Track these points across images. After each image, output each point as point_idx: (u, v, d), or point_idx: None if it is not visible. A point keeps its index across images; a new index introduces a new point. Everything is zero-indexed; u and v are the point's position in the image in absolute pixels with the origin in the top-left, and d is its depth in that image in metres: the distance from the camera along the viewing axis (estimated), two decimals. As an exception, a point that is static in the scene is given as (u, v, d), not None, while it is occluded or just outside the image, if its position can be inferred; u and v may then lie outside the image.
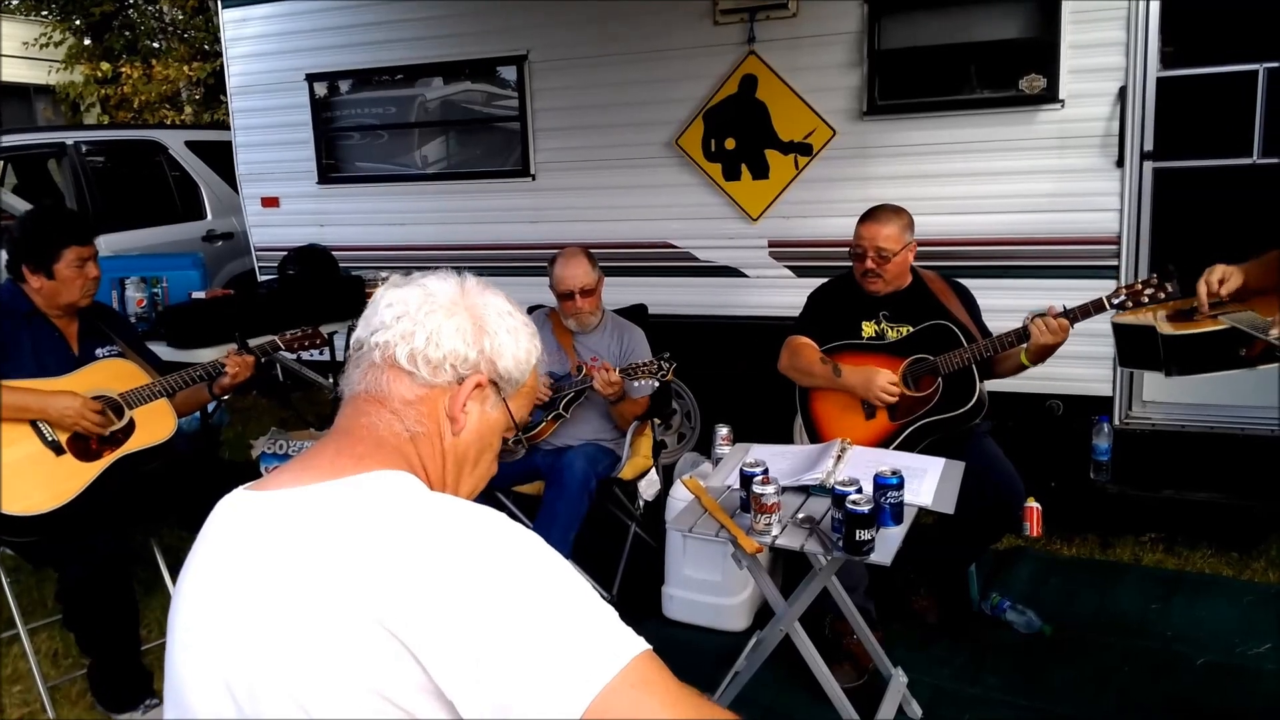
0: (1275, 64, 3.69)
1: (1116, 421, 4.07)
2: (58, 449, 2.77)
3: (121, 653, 2.84)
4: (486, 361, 1.16)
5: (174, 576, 3.24)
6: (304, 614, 0.94)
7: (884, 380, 3.06)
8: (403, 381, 1.13)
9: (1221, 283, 2.43)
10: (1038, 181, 4.04)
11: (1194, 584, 3.55)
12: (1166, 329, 2.50)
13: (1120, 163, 3.89)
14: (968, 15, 4.10)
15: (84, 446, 2.81)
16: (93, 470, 2.80)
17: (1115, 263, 3.95)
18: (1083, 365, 3.94)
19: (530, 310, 3.93)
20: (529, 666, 0.88)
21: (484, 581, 0.92)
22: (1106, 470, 3.98)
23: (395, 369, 1.13)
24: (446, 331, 1.14)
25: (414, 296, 1.16)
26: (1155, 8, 3.78)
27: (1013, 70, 4.03)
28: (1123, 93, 3.85)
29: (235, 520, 1.07)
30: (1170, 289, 2.87)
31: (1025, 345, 2.97)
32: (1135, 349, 2.69)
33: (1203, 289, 2.46)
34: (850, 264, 3.29)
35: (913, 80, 4.24)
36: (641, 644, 0.93)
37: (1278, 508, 3.74)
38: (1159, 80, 3.86)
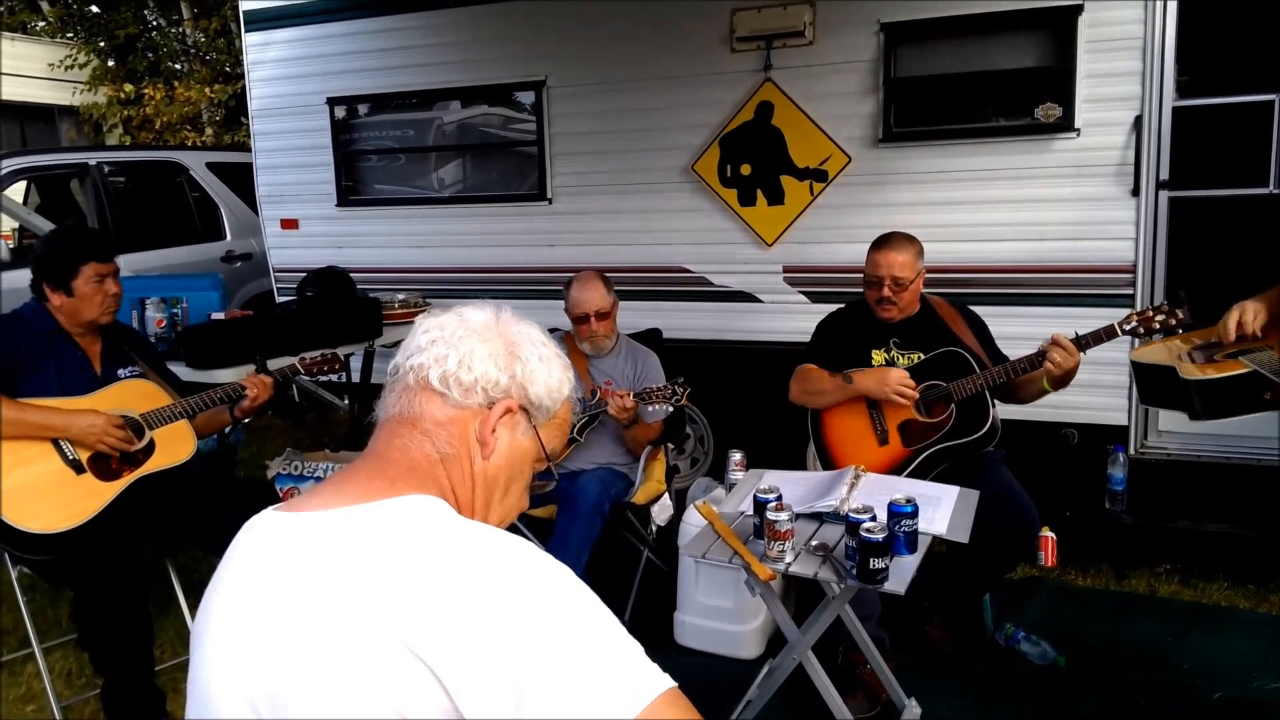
0: (1292, 94, 3.70)
1: (1132, 451, 4.06)
2: (78, 468, 2.80)
3: (135, 673, 2.84)
4: (518, 387, 1.18)
5: (188, 597, 3.26)
6: (333, 637, 0.95)
7: (898, 376, 3.05)
8: (434, 403, 1.15)
9: (1254, 321, 2.45)
10: (1053, 210, 4.05)
11: (1210, 616, 3.52)
12: (1192, 372, 2.48)
13: (1136, 191, 3.90)
14: (984, 44, 4.12)
15: (104, 466, 2.83)
16: (112, 490, 2.82)
17: (1130, 291, 3.95)
18: (1098, 394, 3.93)
19: (545, 334, 3.94)
20: (553, 701, 0.88)
21: (512, 611, 0.93)
22: (1122, 500, 3.96)
23: (428, 390, 1.15)
24: (479, 355, 1.16)
25: (449, 322, 1.19)
26: (1171, 37, 3.79)
27: (1029, 99, 4.05)
28: (1138, 122, 3.86)
29: (266, 541, 1.08)
30: (1181, 315, 2.88)
31: (1045, 369, 2.96)
32: (1156, 388, 2.68)
33: (1233, 325, 2.46)
34: (860, 292, 3.30)
35: (928, 108, 4.27)
36: (667, 681, 0.93)
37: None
38: (1175, 109, 3.87)
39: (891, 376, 3.06)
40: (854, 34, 4.26)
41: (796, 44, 4.35)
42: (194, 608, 2.93)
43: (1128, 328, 2.93)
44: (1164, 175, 3.91)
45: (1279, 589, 3.66)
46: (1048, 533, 3.76)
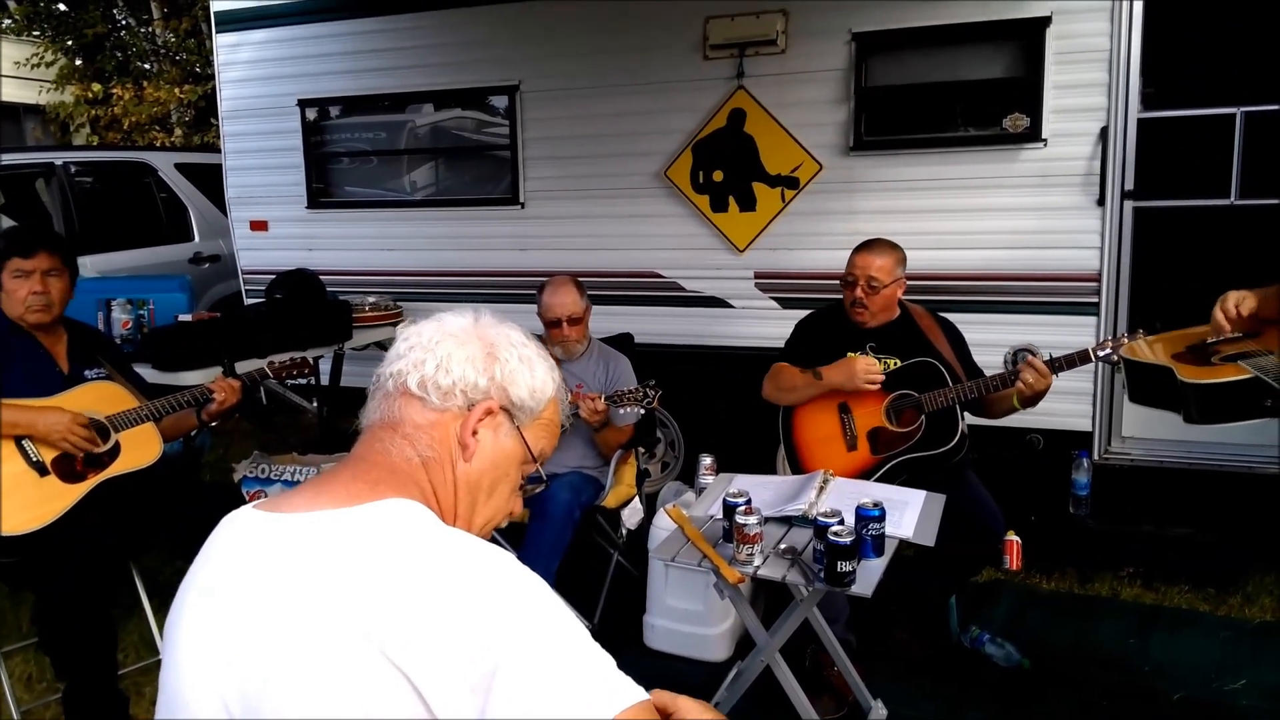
0: (1252, 108, 3.77)
1: (1096, 456, 4.11)
2: (42, 470, 2.76)
3: (98, 677, 2.81)
4: (498, 388, 1.18)
5: (153, 601, 3.23)
6: (308, 640, 0.95)
7: (864, 365, 3.06)
8: (414, 407, 1.16)
9: (1238, 306, 2.37)
10: (1020, 219, 4.10)
11: (1172, 619, 3.57)
12: (1189, 375, 2.44)
13: (1101, 201, 3.96)
14: (953, 55, 4.18)
15: (68, 468, 2.80)
16: (76, 492, 2.79)
17: (1095, 300, 4.01)
18: (1063, 400, 3.97)
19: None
20: (526, 711, 0.89)
21: (486, 618, 0.93)
22: (1086, 505, 4.01)
23: (407, 396, 1.16)
24: (457, 359, 1.16)
25: (428, 329, 1.20)
26: (1137, 50, 3.86)
27: (997, 109, 4.10)
28: (1104, 133, 3.92)
29: (245, 541, 1.07)
30: None
31: (1016, 390, 2.99)
32: (1148, 387, 2.65)
33: (1220, 315, 2.39)
34: (836, 295, 3.32)
35: (898, 117, 4.32)
36: (639, 693, 0.94)
37: (1254, 543, 3.78)
38: (1140, 121, 3.94)
39: (859, 365, 3.08)
40: (825, 43, 4.30)
41: (769, 52, 4.38)
42: (159, 611, 2.89)
43: (1102, 354, 2.96)
44: (1129, 186, 3.97)
45: (1239, 592, 3.72)
46: (1013, 537, 3.78)
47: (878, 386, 3.09)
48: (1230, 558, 3.81)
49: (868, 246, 3.24)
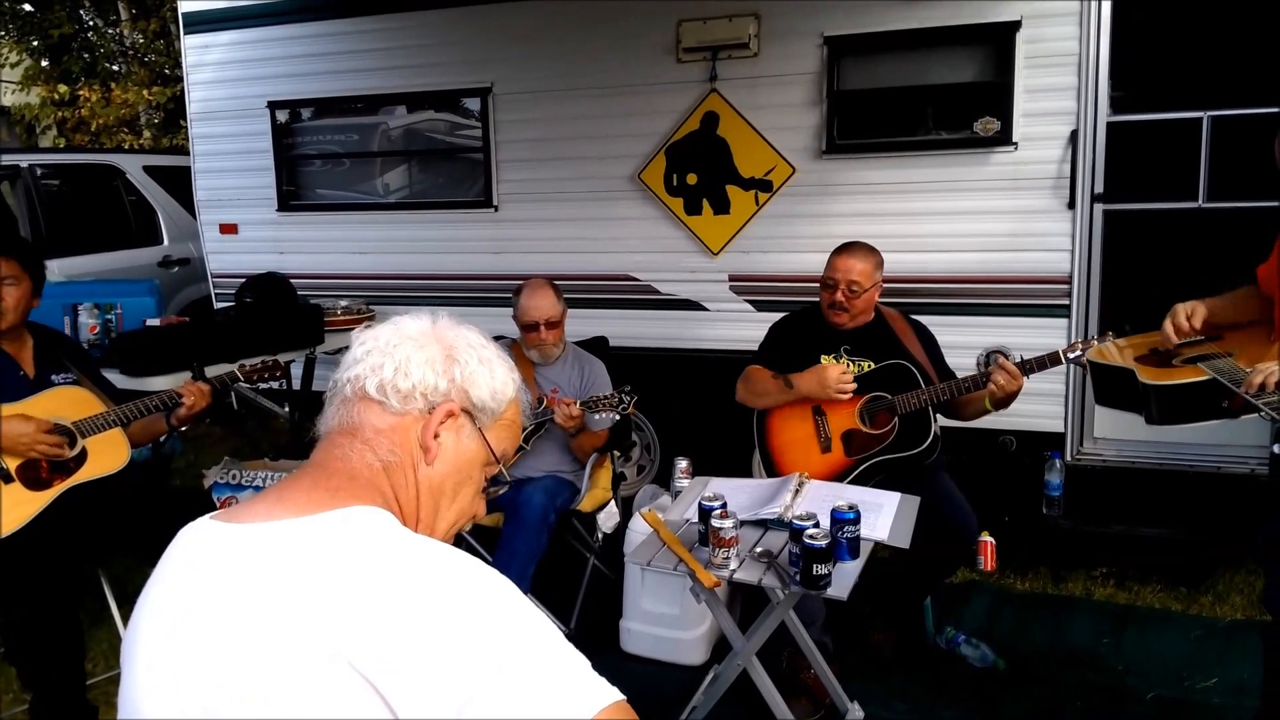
0: (1219, 112, 3.82)
1: (1068, 457, 4.14)
2: (6, 477, 2.71)
3: (66, 688, 2.76)
4: (458, 390, 1.17)
5: (122, 609, 3.18)
6: (271, 652, 0.93)
7: (836, 373, 3.08)
8: (373, 411, 1.14)
9: (1189, 318, 2.44)
10: (991, 222, 4.13)
11: (1144, 618, 3.61)
12: (1149, 377, 2.47)
13: (1071, 204, 3.99)
14: (925, 58, 4.20)
15: (34, 475, 2.76)
16: (42, 499, 2.75)
17: (1066, 302, 4.04)
18: (1035, 402, 4.00)
19: (491, 341, 3.92)
20: (499, 715, 0.88)
21: (455, 625, 0.92)
22: (1059, 505, 4.03)
23: (366, 400, 1.14)
24: (416, 361, 1.15)
25: (384, 332, 1.18)
26: (1105, 54, 3.89)
27: (968, 113, 4.12)
28: (1074, 136, 3.95)
29: (203, 552, 1.05)
30: None
31: (988, 391, 3.01)
32: (1113, 390, 2.69)
33: (1170, 329, 2.47)
34: (812, 298, 3.33)
35: (871, 121, 4.33)
36: (614, 693, 0.93)
37: (1225, 543, 3.82)
38: (1109, 125, 3.97)
39: (830, 375, 3.09)
40: (798, 46, 4.30)
41: (741, 55, 4.38)
42: (127, 620, 2.86)
43: (1072, 355, 3.00)
44: (1099, 189, 4.01)
45: (1210, 591, 3.76)
46: (987, 537, 3.82)
47: (849, 396, 3.11)
48: (1202, 557, 3.85)
49: (849, 250, 3.25)
